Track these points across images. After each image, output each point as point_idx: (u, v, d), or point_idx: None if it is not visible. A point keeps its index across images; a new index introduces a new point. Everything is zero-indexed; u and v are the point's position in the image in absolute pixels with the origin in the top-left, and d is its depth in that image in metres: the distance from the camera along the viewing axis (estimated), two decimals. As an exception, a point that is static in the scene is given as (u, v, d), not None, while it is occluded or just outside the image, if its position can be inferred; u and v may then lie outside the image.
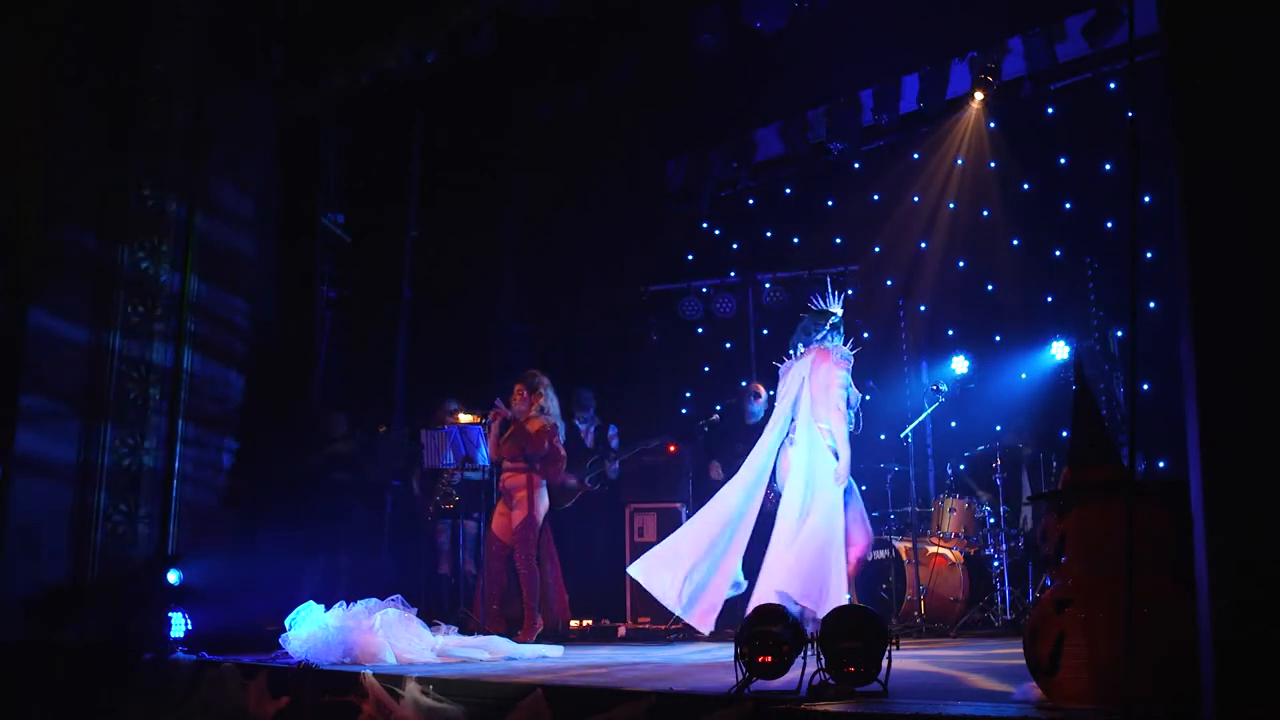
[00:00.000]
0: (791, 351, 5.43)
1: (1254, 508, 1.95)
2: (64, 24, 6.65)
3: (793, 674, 2.99)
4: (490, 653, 5.05)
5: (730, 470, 8.00)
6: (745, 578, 5.07)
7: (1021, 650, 2.73)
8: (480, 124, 8.56)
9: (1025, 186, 8.39)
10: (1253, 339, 2.01)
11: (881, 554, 7.05)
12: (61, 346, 6.36)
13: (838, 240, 9.36)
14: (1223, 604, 1.97)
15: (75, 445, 6.34)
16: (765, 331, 9.41)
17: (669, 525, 7.74)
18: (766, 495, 5.30)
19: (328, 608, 5.01)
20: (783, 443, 5.23)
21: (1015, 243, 8.32)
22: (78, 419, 6.35)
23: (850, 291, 9.10)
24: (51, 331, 6.36)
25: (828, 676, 2.88)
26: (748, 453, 7.85)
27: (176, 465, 6.59)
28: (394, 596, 5.10)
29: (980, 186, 8.55)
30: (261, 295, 7.38)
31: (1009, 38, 7.73)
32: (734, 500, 5.17)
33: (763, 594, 4.62)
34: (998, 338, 8.30)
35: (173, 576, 6.01)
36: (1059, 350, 7.49)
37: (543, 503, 6.57)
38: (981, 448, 7.26)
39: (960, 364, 7.84)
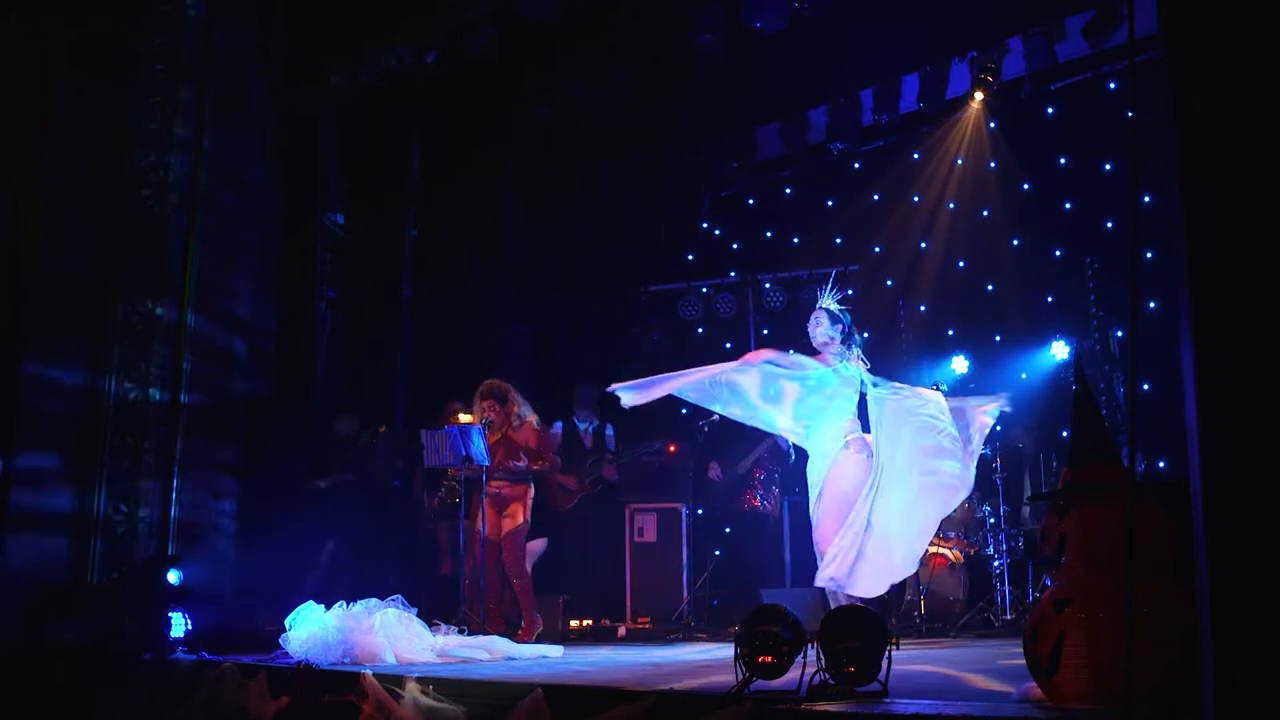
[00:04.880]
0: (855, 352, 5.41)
1: (1254, 508, 1.95)
2: (64, 28, 6.65)
3: (793, 674, 2.99)
4: (490, 653, 5.05)
5: (730, 470, 8.04)
6: None
7: (1021, 650, 2.73)
8: (480, 123, 8.55)
9: (1025, 186, 8.39)
10: (1253, 339, 2.01)
11: (881, 554, 7.04)
12: (56, 390, 6.38)
13: (838, 240, 9.36)
14: (1223, 604, 1.97)
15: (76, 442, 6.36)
16: (765, 331, 9.40)
17: (669, 525, 7.78)
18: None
19: (328, 608, 5.01)
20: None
21: (1015, 243, 8.32)
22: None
23: (850, 291, 9.15)
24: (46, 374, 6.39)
25: (828, 676, 2.88)
26: (747, 453, 7.88)
27: (176, 469, 6.60)
28: (394, 596, 5.10)
29: (980, 186, 8.54)
30: (261, 296, 7.39)
31: (1009, 38, 7.72)
32: None
33: None
34: (998, 338, 8.30)
35: (173, 576, 6.01)
36: (1059, 350, 7.49)
37: (529, 509, 6.66)
38: (984, 450, 7.26)
39: (960, 364, 7.84)
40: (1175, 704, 2.29)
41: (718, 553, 8.19)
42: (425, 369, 8.26)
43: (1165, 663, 2.34)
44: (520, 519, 6.54)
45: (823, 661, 2.91)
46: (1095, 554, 2.63)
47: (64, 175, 6.56)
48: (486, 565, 6.49)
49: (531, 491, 6.69)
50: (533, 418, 6.67)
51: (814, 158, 9.28)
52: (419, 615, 5.09)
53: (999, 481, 6.96)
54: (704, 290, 9.58)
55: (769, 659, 3.00)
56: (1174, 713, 2.27)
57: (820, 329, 5.33)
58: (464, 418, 6.80)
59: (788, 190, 9.80)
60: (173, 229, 6.83)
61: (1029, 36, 7.54)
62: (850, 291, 9.00)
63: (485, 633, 5.72)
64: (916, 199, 8.92)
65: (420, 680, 3.85)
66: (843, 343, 5.33)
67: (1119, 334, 7.03)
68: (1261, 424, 1.96)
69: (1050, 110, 8.19)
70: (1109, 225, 7.71)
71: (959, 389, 7.45)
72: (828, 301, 5.46)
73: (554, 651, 5.45)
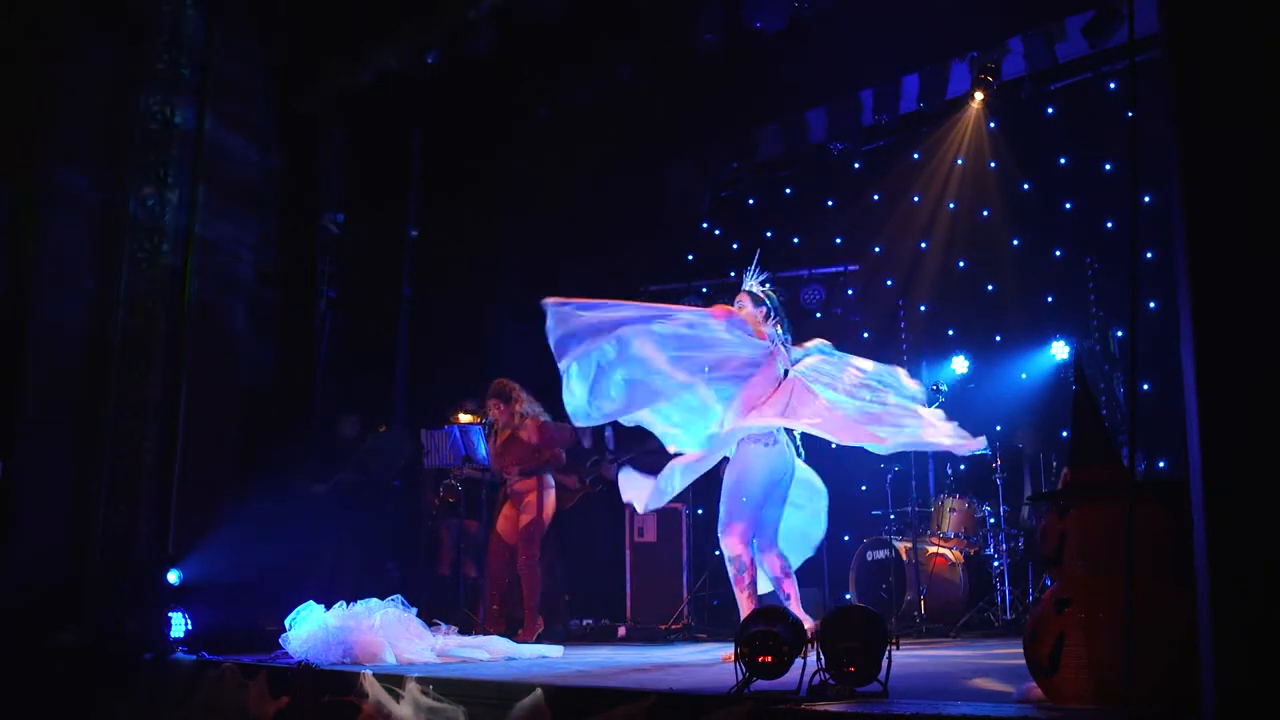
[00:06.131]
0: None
1: (1254, 508, 1.95)
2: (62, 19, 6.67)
3: (793, 674, 2.99)
4: (490, 653, 5.05)
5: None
6: None
7: (1021, 650, 2.73)
8: (480, 124, 8.56)
9: (1025, 186, 8.39)
10: (1253, 338, 2.01)
11: (881, 554, 7.06)
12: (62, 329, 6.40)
13: (838, 240, 9.36)
14: (1223, 604, 1.97)
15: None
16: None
17: (669, 525, 7.77)
18: None
19: (328, 608, 5.01)
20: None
21: (1015, 243, 8.32)
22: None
23: (850, 291, 9.16)
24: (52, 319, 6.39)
25: (828, 676, 2.88)
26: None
27: (178, 468, 6.61)
28: (394, 596, 5.10)
29: (980, 186, 8.54)
30: (261, 296, 7.40)
31: (1009, 38, 7.72)
32: None
33: None
34: (998, 338, 8.29)
35: (173, 576, 6.01)
36: (1059, 350, 7.49)
37: (550, 504, 6.60)
38: (985, 450, 7.26)
39: (960, 364, 7.83)
40: (1175, 704, 2.29)
41: (718, 553, 8.16)
42: (425, 369, 8.26)
43: (1165, 663, 2.34)
44: (533, 513, 6.49)
45: (823, 661, 2.91)
46: (1095, 554, 2.63)
47: (65, 172, 6.59)
48: (497, 565, 6.49)
49: (548, 484, 6.63)
50: (536, 414, 6.65)
51: (814, 158, 9.27)
52: (419, 615, 5.09)
53: (999, 481, 6.96)
54: (704, 290, 9.56)
55: (769, 659, 3.00)
56: (1174, 713, 2.27)
57: (744, 313, 5.26)
58: (464, 418, 6.80)
59: (788, 190, 9.79)
60: (172, 228, 6.85)
61: (1029, 36, 7.54)
62: (850, 291, 9.07)
63: (485, 633, 5.72)
64: (916, 199, 8.91)
65: (420, 680, 3.85)
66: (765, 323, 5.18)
67: (1119, 334, 7.03)
68: (1261, 424, 1.97)
69: (1050, 110, 8.18)
70: (1109, 225, 7.71)
71: (959, 389, 7.46)
72: (751, 284, 5.37)
73: (554, 651, 5.45)
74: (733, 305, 5.26)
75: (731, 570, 4.88)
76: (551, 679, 3.69)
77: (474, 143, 8.69)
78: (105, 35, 6.75)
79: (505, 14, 6.99)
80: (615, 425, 8.08)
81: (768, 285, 5.35)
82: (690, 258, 10.04)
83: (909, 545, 6.87)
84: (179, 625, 5.61)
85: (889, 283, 9.01)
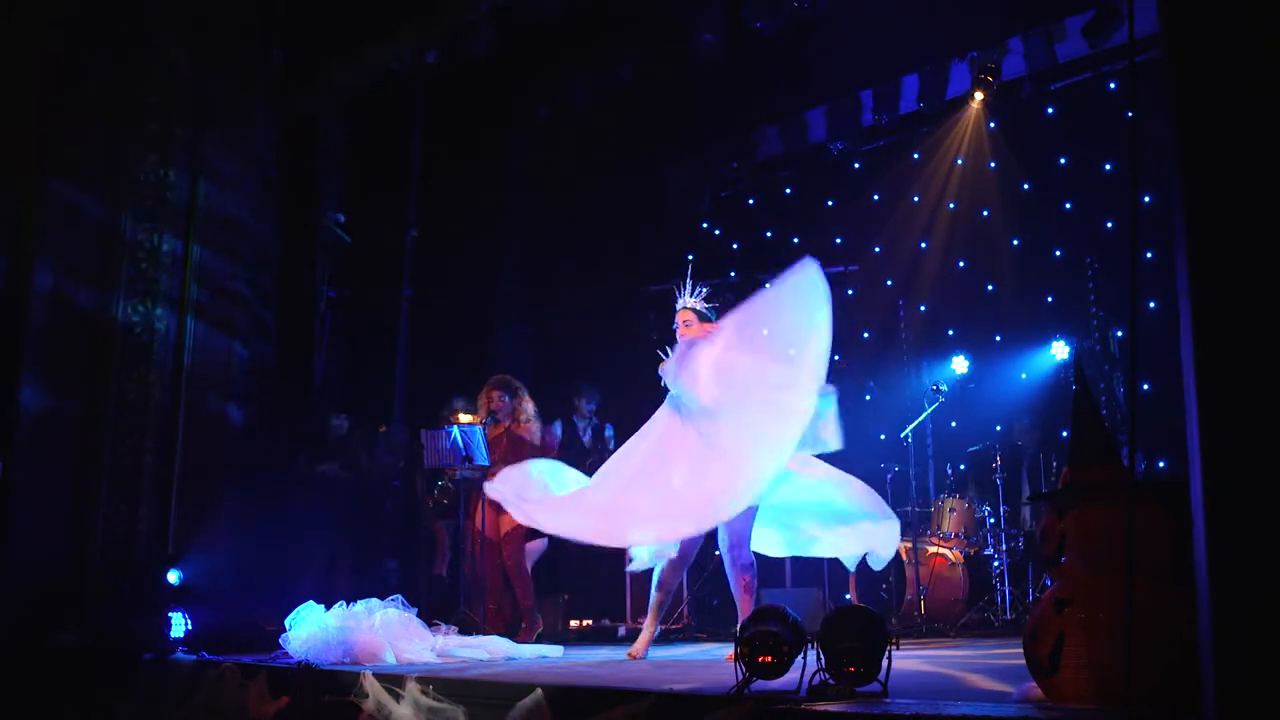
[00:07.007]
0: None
1: (1254, 508, 1.95)
2: (65, 18, 6.67)
3: (793, 674, 2.99)
4: (490, 653, 5.05)
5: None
6: None
7: (1021, 650, 2.73)
8: (480, 124, 8.56)
9: (1025, 186, 8.39)
10: (1253, 338, 2.01)
11: (882, 554, 7.06)
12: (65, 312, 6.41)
13: (838, 240, 9.36)
14: (1223, 604, 1.97)
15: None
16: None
17: (669, 525, 7.75)
18: None
19: (328, 608, 5.01)
20: None
21: (1015, 243, 8.32)
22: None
23: (850, 291, 9.15)
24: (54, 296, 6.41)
25: (828, 676, 2.88)
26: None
27: (178, 464, 6.60)
28: (394, 596, 5.10)
29: (980, 186, 8.54)
30: (261, 296, 7.40)
31: (1009, 38, 7.73)
32: None
33: None
34: (998, 338, 8.30)
35: (173, 576, 6.01)
36: (1059, 350, 7.49)
37: None
38: (976, 447, 7.27)
39: (960, 364, 7.84)
40: (1175, 704, 2.29)
41: (718, 552, 8.17)
42: (425, 369, 8.26)
43: (1165, 663, 2.34)
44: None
45: (823, 661, 2.91)
46: (1095, 554, 2.63)
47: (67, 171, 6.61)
48: (486, 565, 6.49)
49: None
50: (535, 416, 6.70)
51: (814, 158, 9.27)
52: (419, 615, 5.09)
53: (999, 481, 6.97)
54: (704, 290, 9.56)
55: (769, 659, 3.00)
56: (1174, 713, 2.27)
57: (692, 331, 5.23)
58: (464, 417, 6.80)
59: (788, 190, 9.80)
60: (172, 228, 6.85)
61: (1029, 36, 7.55)
62: (850, 291, 9.07)
63: (485, 633, 5.72)
64: (916, 199, 8.92)
65: (420, 680, 3.85)
66: None
67: (1119, 334, 7.04)
68: (1261, 424, 1.96)
69: (1050, 110, 8.19)
70: (1109, 225, 7.71)
71: (959, 389, 7.46)
72: (693, 301, 5.33)
73: (554, 651, 5.45)
74: (674, 322, 5.25)
75: (748, 577, 4.90)
76: (551, 679, 3.68)
77: (474, 142, 8.70)
78: (105, 47, 6.75)
79: (505, 14, 7.00)
80: (616, 425, 8.11)
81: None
82: (690, 258, 10.02)
83: (909, 545, 6.87)
84: (179, 625, 5.62)
85: (889, 283, 9.01)
